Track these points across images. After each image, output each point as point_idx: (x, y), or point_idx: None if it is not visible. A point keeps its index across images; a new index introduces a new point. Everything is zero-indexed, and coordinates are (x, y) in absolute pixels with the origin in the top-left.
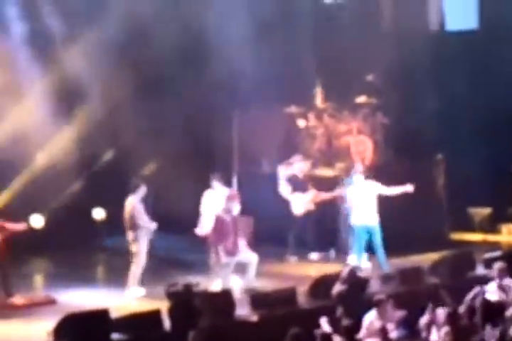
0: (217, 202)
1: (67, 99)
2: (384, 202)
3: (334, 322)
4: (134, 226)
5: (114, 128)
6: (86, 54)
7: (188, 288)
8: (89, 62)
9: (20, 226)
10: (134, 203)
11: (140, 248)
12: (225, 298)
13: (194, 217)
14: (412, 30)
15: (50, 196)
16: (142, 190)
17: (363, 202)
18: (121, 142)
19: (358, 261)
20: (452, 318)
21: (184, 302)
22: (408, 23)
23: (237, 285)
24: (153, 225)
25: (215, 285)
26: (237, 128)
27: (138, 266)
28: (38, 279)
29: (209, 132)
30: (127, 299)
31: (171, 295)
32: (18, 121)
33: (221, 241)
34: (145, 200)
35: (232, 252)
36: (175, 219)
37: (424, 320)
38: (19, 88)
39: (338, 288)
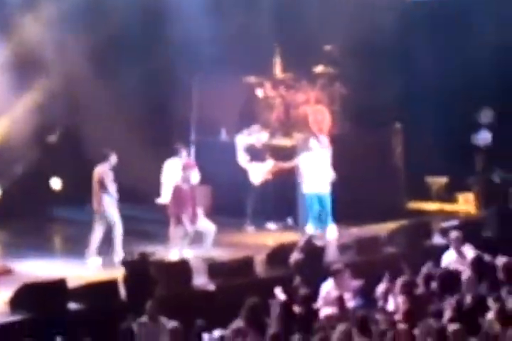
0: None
1: (23, 68)
2: (341, 171)
3: (291, 292)
4: (103, 195)
5: (72, 97)
6: (43, 21)
7: (143, 256)
8: (45, 29)
9: None
10: (104, 171)
11: (114, 216)
12: (182, 267)
13: (154, 187)
14: None
15: (7, 166)
16: (113, 159)
17: (316, 170)
18: (79, 111)
19: (314, 229)
20: (408, 287)
21: (139, 271)
22: None
23: (190, 255)
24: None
25: (172, 255)
26: (195, 98)
27: (119, 233)
28: None
29: (167, 101)
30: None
31: (126, 264)
32: None
33: (181, 210)
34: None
35: (192, 221)
36: (134, 189)
37: (380, 288)
38: None
39: (295, 256)
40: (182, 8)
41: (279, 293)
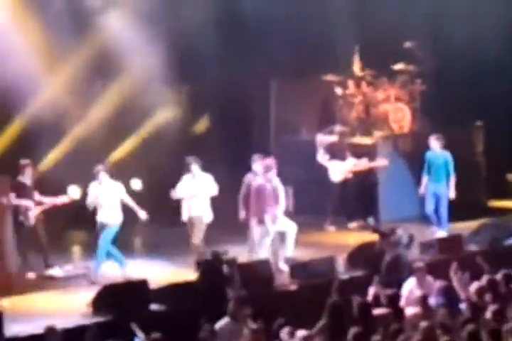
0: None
1: (103, 70)
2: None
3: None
4: None
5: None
6: (123, 24)
7: (216, 256)
8: (126, 32)
9: (58, 201)
10: None
11: None
12: (264, 267)
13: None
14: None
15: (88, 167)
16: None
17: None
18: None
19: None
20: (493, 286)
21: (213, 270)
22: None
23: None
24: None
25: (259, 255)
26: (274, 97)
27: None
28: (76, 250)
29: (247, 101)
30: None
31: (200, 264)
32: (56, 89)
33: (263, 210)
34: None
35: (273, 221)
36: None
37: (474, 286)
38: (57, 57)
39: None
40: (260, 8)
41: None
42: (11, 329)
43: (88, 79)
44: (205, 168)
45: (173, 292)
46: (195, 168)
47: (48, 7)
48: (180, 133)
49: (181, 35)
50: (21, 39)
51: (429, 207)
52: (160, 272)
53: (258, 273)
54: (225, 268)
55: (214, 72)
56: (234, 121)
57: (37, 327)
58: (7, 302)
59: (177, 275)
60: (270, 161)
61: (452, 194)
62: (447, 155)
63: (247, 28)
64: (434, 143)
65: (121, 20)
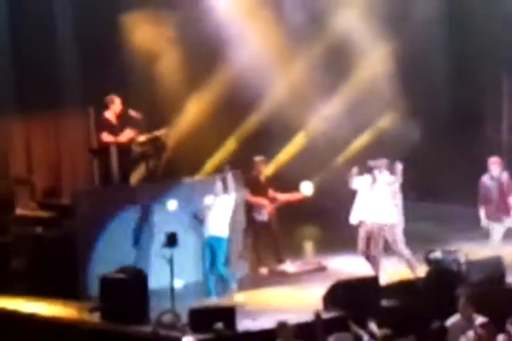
0: None
1: (337, 63)
2: None
3: None
4: None
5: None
6: (355, 22)
7: (446, 253)
8: (356, 30)
9: (292, 198)
10: None
11: None
12: (495, 264)
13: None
14: None
15: (323, 162)
16: None
17: None
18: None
19: None
20: None
21: (443, 268)
22: None
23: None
24: None
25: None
26: (507, 92)
27: None
28: (309, 246)
29: (478, 98)
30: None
31: (430, 261)
32: (289, 85)
33: (481, 204)
34: None
35: (493, 217)
36: (437, 188)
37: None
38: (291, 52)
39: None
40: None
41: None
42: (244, 324)
43: (319, 75)
44: (435, 169)
45: (403, 288)
46: (376, 172)
47: (282, 2)
48: (408, 133)
49: (409, 35)
50: (255, 33)
51: None
52: (390, 269)
53: (488, 270)
54: (455, 266)
55: (443, 70)
56: (465, 118)
57: (269, 322)
58: (241, 297)
59: (407, 272)
60: (494, 158)
61: None
62: None
63: (475, 24)
64: None
65: (353, 18)
